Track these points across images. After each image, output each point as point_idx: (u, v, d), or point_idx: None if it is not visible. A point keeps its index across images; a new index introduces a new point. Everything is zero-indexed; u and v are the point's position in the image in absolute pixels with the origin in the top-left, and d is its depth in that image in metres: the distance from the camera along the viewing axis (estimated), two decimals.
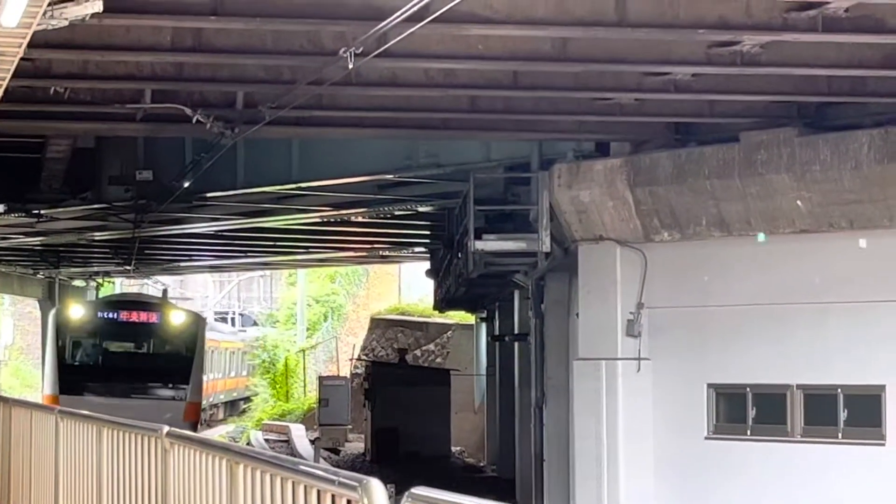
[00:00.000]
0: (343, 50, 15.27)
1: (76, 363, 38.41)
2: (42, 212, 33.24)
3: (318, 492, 4.47)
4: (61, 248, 45.33)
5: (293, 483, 4.76)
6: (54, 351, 37.90)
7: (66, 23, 10.85)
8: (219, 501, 5.73)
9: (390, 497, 4.16)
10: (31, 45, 10.84)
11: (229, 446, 5.67)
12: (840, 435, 20.14)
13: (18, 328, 66.35)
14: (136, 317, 38.47)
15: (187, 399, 37.26)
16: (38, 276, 52.82)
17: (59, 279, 52.61)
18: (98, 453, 8.75)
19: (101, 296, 52.14)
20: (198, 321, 40.62)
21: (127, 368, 37.82)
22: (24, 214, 33.39)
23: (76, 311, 38.98)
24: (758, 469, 20.68)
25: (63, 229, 38.19)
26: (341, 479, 4.31)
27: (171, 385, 37.37)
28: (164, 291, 48.82)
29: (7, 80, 11.18)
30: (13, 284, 54.62)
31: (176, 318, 38.57)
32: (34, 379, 52.82)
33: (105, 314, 38.88)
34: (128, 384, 36.36)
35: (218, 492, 5.74)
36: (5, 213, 32.31)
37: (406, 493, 3.95)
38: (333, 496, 4.39)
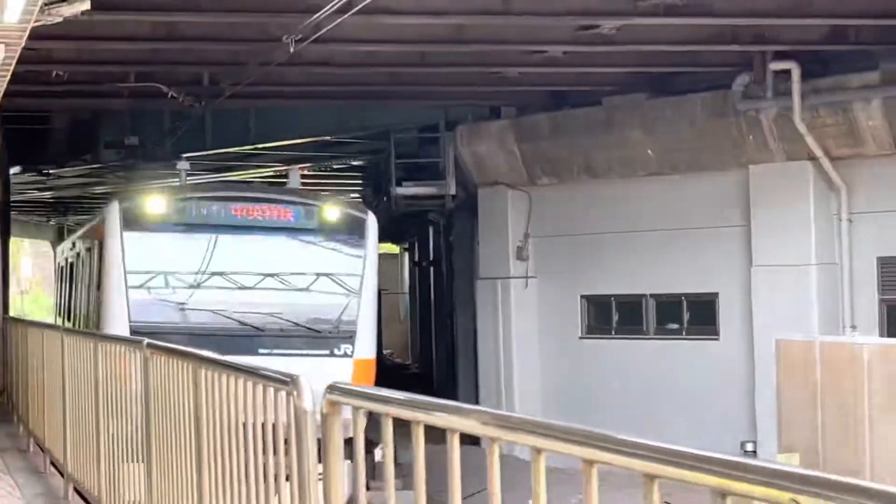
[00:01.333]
0: (285, 37, 15.17)
1: (157, 297, 17.28)
2: (50, 171, 32.83)
3: (263, 387, 4.47)
4: (68, 200, 44.30)
5: (243, 381, 4.76)
6: (119, 276, 16.98)
7: (60, 19, 10.59)
8: (186, 397, 5.72)
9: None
10: (33, 37, 10.58)
11: (194, 353, 5.66)
12: (684, 333, 20.43)
13: (36, 265, 65.51)
14: (261, 214, 17.83)
15: (355, 355, 17.16)
16: (50, 222, 52.02)
17: (68, 225, 51.64)
18: (95, 364, 8.66)
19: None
20: (369, 224, 17.85)
21: (246, 306, 17.27)
22: (35, 174, 33.00)
23: (157, 207, 17.40)
24: (621, 361, 20.94)
25: (68, 185, 37.42)
26: (277, 377, 4.32)
27: (327, 334, 17.15)
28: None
29: (13, 66, 10.91)
30: (30, 230, 53.80)
31: (331, 217, 17.63)
32: (48, 303, 51.72)
33: (208, 211, 17.78)
34: (250, 335, 16.95)
35: (186, 390, 5.73)
36: (21, 172, 31.90)
37: (327, 386, 3.93)
38: (275, 390, 4.38)
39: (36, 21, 9.43)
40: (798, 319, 17.96)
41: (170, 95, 19.99)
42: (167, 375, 6.04)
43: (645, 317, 20.77)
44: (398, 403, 3.59)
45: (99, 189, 36.80)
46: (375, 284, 17.32)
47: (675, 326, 20.54)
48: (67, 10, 10.23)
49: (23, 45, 9.99)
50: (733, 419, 18.93)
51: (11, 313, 26.75)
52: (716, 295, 19.85)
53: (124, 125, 27.35)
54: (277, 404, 4.23)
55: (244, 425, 4.60)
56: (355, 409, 3.80)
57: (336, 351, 16.58)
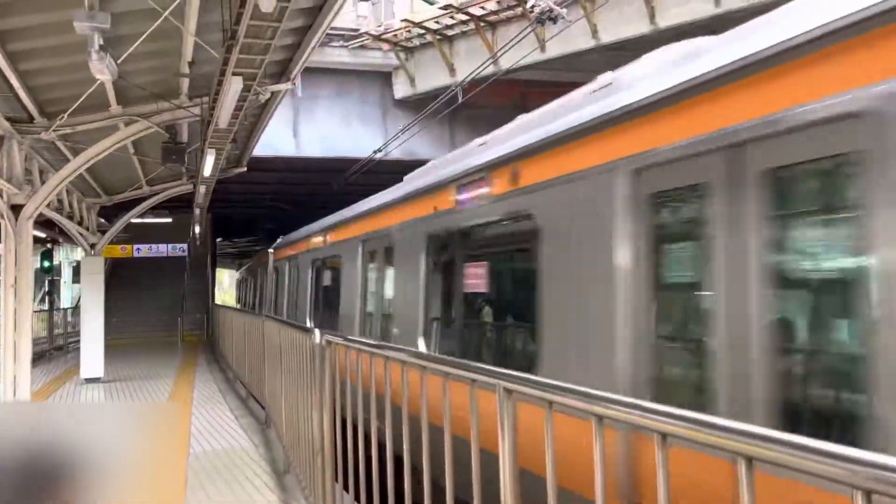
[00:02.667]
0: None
1: None
2: (234, 240, 45.00)
3: (298, 335, 6.85)
4: (242, 253, 49.73)
5: (290, 332, 7.24)
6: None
7: (233, 173, 15.07)
8: (275, 341, 8.24)
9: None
10: (221, 181, 14.90)
11: (269, 316, 8.53)
12: None
13: (230, 281, 67.59)
14: None
15: None
16: (234, 262, 55.96)
17: (240, 262, 51.24)
18: (264, 335, 9.92)
19: None
20: None
21: None
22: (228, 242, 44.84)
23: None
24: None
25: (242, 247, 47.65)
26: (304, 328, 6.38)
27: None
28: None
29: (210, 195, 15.20)
30: (226, 265, 59.12)
31: None
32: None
33: None
34: None
35: (276, 338, 8.27)
36: (221, 241, 43.27)
37: (323, 334, 5.53)
38: (303, 334, 6.43)
39: (220, 174, 13.81)
40: None
41: (286, 208, 29.05)
42: (272, 334, 8.69)
43: None
44: (360, 344, 5.04)
45: (257, 247, 42.02)
46: None
47: None
48: (236, 170, 14.95)
49: (213, 185, 14.45)
50: None
51: (217, 302, 33.19)
52: None
53: (266, 220, 36.58)
54: (304, 341, 6.68)
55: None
56: (334, 344, 5.52)
57: None
